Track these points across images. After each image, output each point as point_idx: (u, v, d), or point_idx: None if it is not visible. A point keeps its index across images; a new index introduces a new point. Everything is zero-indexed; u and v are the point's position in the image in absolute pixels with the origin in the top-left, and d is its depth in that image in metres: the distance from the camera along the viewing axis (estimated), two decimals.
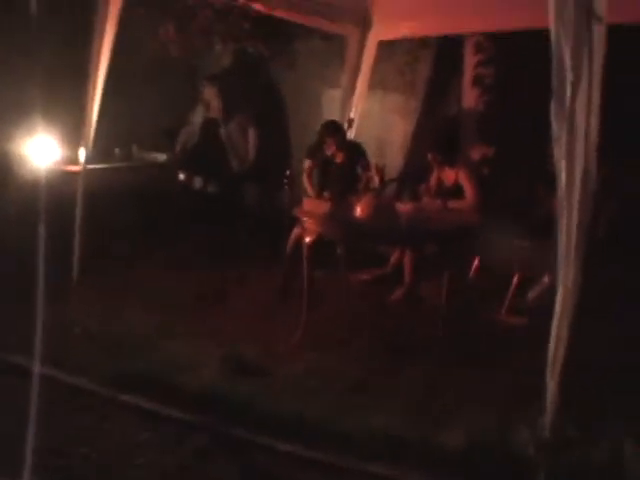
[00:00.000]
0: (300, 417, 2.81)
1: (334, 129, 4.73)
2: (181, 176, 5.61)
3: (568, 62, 2.16)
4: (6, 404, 2.82)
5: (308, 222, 3.81)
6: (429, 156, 4.37)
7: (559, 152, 2.20)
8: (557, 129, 2.20)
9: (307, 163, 4.93)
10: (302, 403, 2.94)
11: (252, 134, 5.67)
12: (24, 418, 2.13)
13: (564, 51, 2.17)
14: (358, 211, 3.66)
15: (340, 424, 2.77)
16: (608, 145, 2.33)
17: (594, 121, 2.17)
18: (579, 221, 2.17)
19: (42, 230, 1.93)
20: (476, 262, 4.32)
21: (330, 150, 4.70)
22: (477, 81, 5.42)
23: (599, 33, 2.13)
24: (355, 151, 4.77)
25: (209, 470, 2.55)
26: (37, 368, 1.91)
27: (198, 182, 5.70)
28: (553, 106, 2.20)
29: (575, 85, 2.15)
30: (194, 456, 2.60)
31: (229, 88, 5.68)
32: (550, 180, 2.31)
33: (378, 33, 5.23)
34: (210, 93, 5.67)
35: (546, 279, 3.92)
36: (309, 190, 4.85)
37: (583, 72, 2.14)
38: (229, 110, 5.66)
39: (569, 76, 2.16)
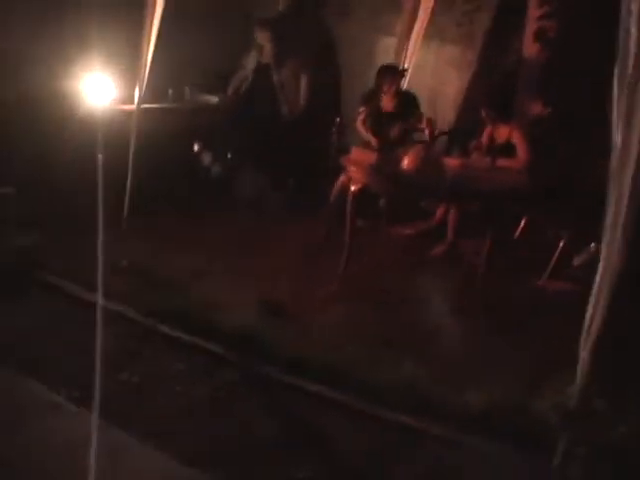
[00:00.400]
0: (328, 363, 2.88)
1: (392, 72, 4.66)
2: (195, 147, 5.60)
3: (635, 19, 2.06)
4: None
5: (354, 171, 3.81)
6: (482, 112, 4.28)
7: (618, 115, 2.12)
8: (618, 90, 2.12)
9: (362, 109, 4.82)
10: (331, 350, 3.00)
11: (304, 81, 5.63)
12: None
13: (632, 7, 2.07)
14: (405, 163, 3.64)
15: (367, 373, 2.82)
16: None
17: None
18: (631, 190, 2.11)
19: (100, 166, 1.99)
20: (522, 224, 4.26)
21: (387, 94, 4.61)
22: (539, 35, 5.17)
23: None
24: (408, 102, 4.69)
25: (237, 404, 2.68)
26: (100, 300, 2.02)
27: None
28: (617, 65, 2.11)
29: None
30: (223, 389, 2.74)
31: (282, 33, 5.62)
32: (605, 149, 2.24)
33: None
34: (263, 38, 5.63)
35: (593, 247, 3.84)
36: (365, 136, 4.75)
37: None
38: (282, 55, 5.62)
39: (634, 33, 2.06)
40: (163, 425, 2.50)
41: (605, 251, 2.19)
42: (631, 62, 2.07)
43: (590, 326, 2.27)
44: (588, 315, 2.26)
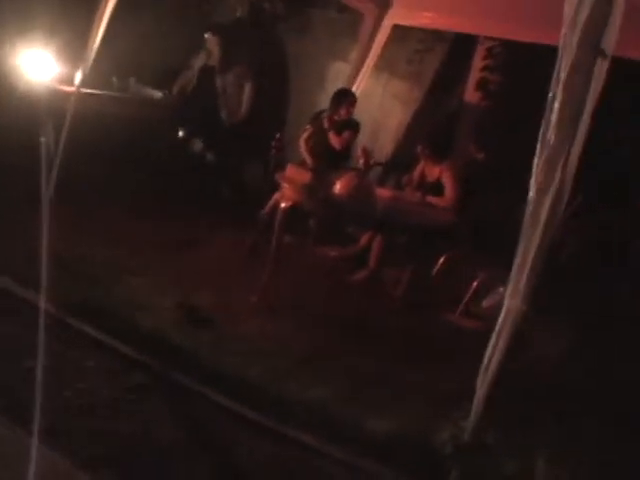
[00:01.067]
0: (240, 375, 2.89)
1: (348, 98, 4.74)
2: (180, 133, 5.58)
3: (565, 87, 2.21)
4: None
5: (287, 188, 3.85)
6: (418, 148, 4.43)
7: (537, 169, 2.24)
8: (540, 146, 2.25)
9: (308, 128, 4.87)
10: (245, 362, 3.01)
11: (248, 89, 5.63)
12: None
13: (563, 76, 2.22)
14: (337, 187, 3.71)
15: (278, 389, 2.84)
16: (586, 175, 2.39)
17: (576, 148, 2.21)
18: (540, 242, 2.24)
19: (43, 147, 1.92)
20: (442, 260, 4.41)
21: (340, 117, 4.69)
22: (481, 85, 5.45)
23: (601, 68, 2.18)
24: (351, 128, 4.79)
25: (142, 407, 2.61)
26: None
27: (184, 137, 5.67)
28: (543, 124, 2.25)
29: (566, 110, 2.19)
30: (131, 391, 2.66)
31: (232, 40, 5.63)
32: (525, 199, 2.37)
33: (396, 16, 5.19)
34: (212, 41, 5.62)
35: (502, 290, 4.02)
36: (304, 154, 4.81)
37: (577, 100, 2.19)
38: (228, 60, 5.62)
39: (562, 101, 2.21)
40: (59, 422, 2.41)
41: (508, 298, 2.32)
42: (553, 126, 2.22)
43: (488, 365, 2.38)
44: (487, 354, 2.37)
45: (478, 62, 5.43)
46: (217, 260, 4.25)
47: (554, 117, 2.18)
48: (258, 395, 2.79)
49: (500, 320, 2.33)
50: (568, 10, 2.19)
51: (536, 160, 2.26)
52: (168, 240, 4.36)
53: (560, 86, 2.20)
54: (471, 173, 4.77)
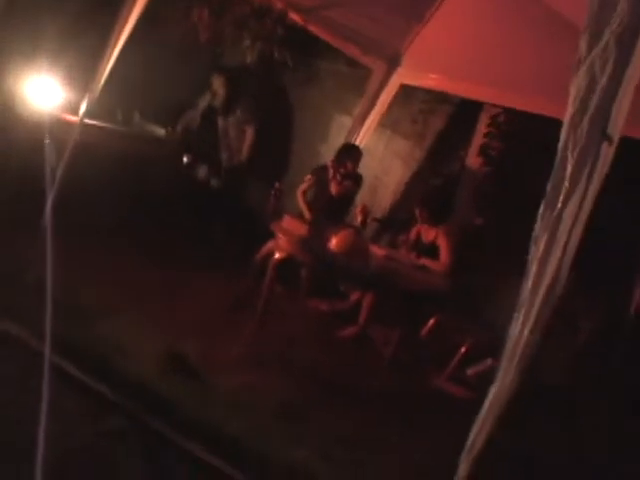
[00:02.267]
0: (219, 429, 2.79)
1: (356, 154, 4.77)
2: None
3: (569, 170, 2.18)
4: None
5: (282, 239, 3.81)
6: (416, 210, 4.42)
7: (535, 252, 2.19)
8: (539, 229, 2.20)
9: (308, 179, 4.86)
10: (225, 416, 2.92)
11: (249, 133, 5.66)
12: None
13: (568, 159, 2.19)
14: (333, 243, 3.68)
15: (258, 446, 2.75)
16: (584, 264, 2.34)
17: (576, 235, 2.17)
18: (532, 327, 2.17)
19: (48, 174, 1.87)
20: (431, 322, 4.36)
21: (345, 170, 4.70)
22: (483, 151, 5.49)
23: (606, 153, 2.16)
24: (353, 183, 4.79)
25: (116, 452, 2.51)
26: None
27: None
28: (542, 206, 2.21)
29: (569, 194, 2.16)
30: (107, 435, 2.57)
31: (239, 83, 5.68)
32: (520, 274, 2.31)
33: (404, 75, 5.28)
34: (218, 82, 5.66)
35: (489, 361, 3.97)
36: (302, 207, 4.79)
37: (580, 185, 2.16)
38: (231, 103, 5.65)
39: (565, 183, 2.18)
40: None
41: (500, 377, 2.24)
42: (558, 206, 2.18)
43: (473, 444, 2.29)
44: (473, 433, 2.27)
45: (482, 128, 5.49)
46: (205, 305, 4.15)
47: (560, 198, 2.15)
48: (237, 450, 2.69)
49: (488, 398, 2.24)
50: (575, 92, 2.19)
51: (535, 237, 2.20)
52: (158, 280, 4.28)
53: (568, 168, 2.17)
54: (468, 238, 4.76)
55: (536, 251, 2.17)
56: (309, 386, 3.51)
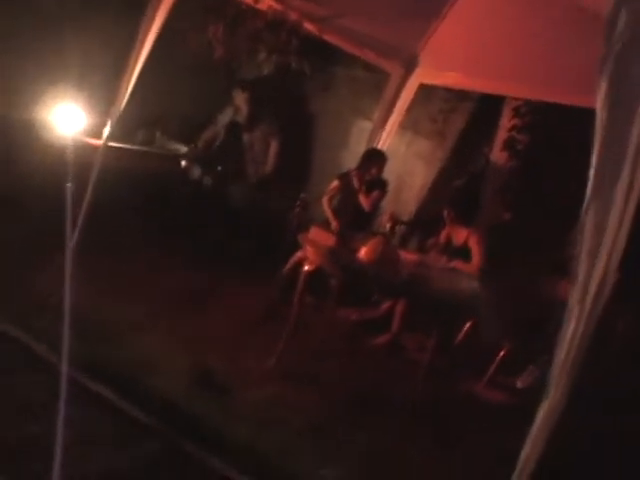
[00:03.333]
0: (250, 446, 2.76)
1: (381, 160, 4.72)
2: (196, 172, 5.59)
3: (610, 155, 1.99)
4: None
5: (310, 251, 3.78)
6: (445, 212, 4.35)
7: (583, 246, 1.92)
8: (587, 222, 1.90)
9: (335, 184, 4.77)
10: (256, 432, 2.89)
11: (274, 146, 5.67)
12: None
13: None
14: (363, 253, 3.63)
15: (290, 463, 2.72)
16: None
17: (625, 227, 1.89)
18: (584, 330, 2.02)
19: (69, 198, 1.88)
20: (467, 326, 4.28)
21: (371, 176, 4.66)
22: (508, 145, 5.40)
23: None
24: (380, 188, 4.73)
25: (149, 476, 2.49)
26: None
27: (208, 180, 5.68)
28: (587, 196, 1.89)
29: (613, 178, 1.97)
30: (141, 459, 2.54)
31: (260, 97, 5.70)
32: (561, 269, 2.17)
33: (421, 75, 5.22)
34: (240, 98, 5.70)
35: (534, 369, 3.88)
36: (329, 215, 4.69)
37: (626, 169, 1.97)
38: (256, 118, 5.69)
39: (608, 168, 1.98)
40: None
41: (552, 390, 2.09)
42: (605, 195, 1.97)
43: (525, 464, 2.16)
44: (524, 452, 2.15)
45: (506, 122, 5.39)
46: (234, 320, 4.13)
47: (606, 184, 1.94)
48: (268, 469, 2.66)
49: (540, 415, 2.08)
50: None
51: (581, 230, 1.98)
52: (185, 295, 4.27)
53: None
54: (498, 236, 4.67)
55: (584, 245, 1.96)
56: (340, 401, 3.46)
